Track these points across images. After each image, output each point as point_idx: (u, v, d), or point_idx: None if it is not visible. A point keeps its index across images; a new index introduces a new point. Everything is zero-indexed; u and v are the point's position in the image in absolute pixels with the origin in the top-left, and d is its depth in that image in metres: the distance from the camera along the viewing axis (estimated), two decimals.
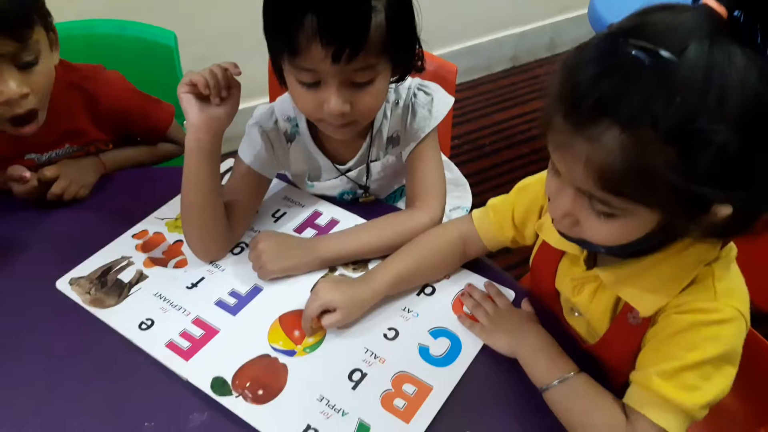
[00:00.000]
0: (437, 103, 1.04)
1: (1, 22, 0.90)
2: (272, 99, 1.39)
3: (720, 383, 0.69)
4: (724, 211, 0.60)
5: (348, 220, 1.07)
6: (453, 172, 1.28)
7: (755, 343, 0.98)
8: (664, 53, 0.55)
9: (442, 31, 2.44)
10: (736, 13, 0.57)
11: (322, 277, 0.96)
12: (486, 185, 2.11)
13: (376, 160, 1.07)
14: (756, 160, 0.57)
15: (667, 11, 0.60)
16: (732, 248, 0.73)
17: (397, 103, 1.03)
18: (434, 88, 1.06)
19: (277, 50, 0.88)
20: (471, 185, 1.31)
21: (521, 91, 2.59)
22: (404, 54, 0.91)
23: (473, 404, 0.82)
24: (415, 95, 1.03)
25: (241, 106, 2.28)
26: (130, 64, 1.38)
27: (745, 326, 0.70)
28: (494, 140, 2.33)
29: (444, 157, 1.26)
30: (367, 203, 1.12)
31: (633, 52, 0.56)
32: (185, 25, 1.75)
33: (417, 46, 0.93)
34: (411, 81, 1.04)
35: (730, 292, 0.70)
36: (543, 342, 0.83)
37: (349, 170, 1.08)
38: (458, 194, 1.27)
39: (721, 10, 0.57)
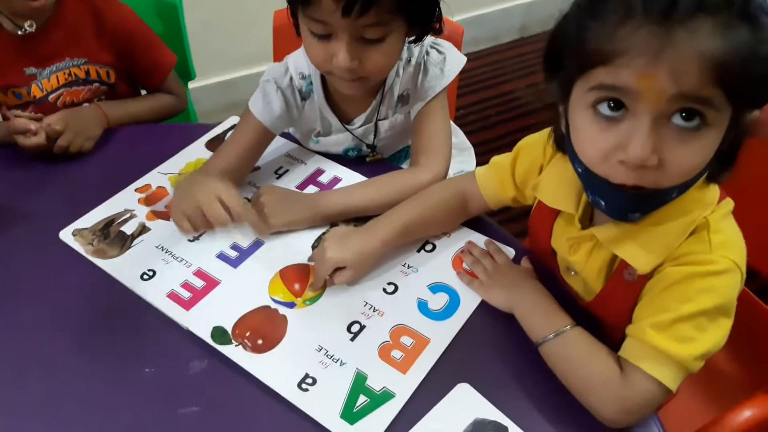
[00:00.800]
0: (449, 62, 1.03)
1: None
2: (277, 57, 1.37)
3: (715, 334, 0.69)
4: (754, 115, 0.61)
5: (350, 178, 1.07)
6: (458, 137, 1.28)
7: (753, 306, 0.99)
8: None
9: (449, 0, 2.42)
10: None
11: (324, 232, 0.97)
12: (491, 156, 2.07)
13: (384, 119, 1.07)
14: None
15: None
16: (729, 202, 0.73)
17: (409, 61, 1.02)
18: (447, 46, 1.05)
19: (294, 1, 0.88)
20: (476, 155, 1.31)
21: (529, 62, 2.55)
22: (422, 14, 0.90)
23: (470, 357, 0.82)
24: (427, 53, 1.03)
25: (248, 71, 2.33)
26: None
27: (740, 278, 0.70)
28: (500, 111, 2.31)
29: (456, 126, 1.26)
30: (374, 162, 1.12)
31: None
32: None
33: (437, 7, 0.91)
34: (426, 38, 1.02)
35: (725, 243, 0.70)
36: (540, 297, 0.84)
37: (356, 128, 1.08)
38: (462, 159, 1.27)
39: None
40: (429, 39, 1.03)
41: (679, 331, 0.68)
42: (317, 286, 0.89)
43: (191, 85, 1.55)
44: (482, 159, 1.25)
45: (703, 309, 0.68)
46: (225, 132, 1.18)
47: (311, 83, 1.04)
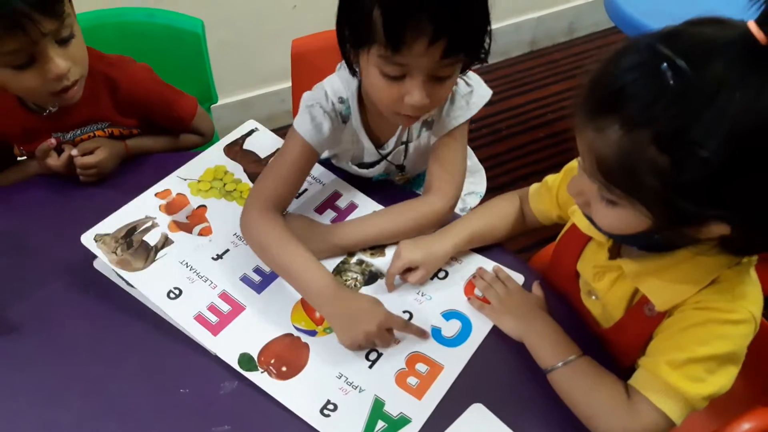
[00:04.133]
0: (476, 95, 1.05)
1: (40, 3, 0.91)
2: (295, 83, 1.42)
3: (723, 379, 0.74)
4: (718, 230, 0.64)
5: (367, 205, 1.10)
6: (471, 159, 1.30)
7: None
8: (681, 63, 0.58)
9: None
10: None
11: (340, 261, 1.01)
12: (501, 169, 2.11)
13: (409, 141, 1.09)
14: (744, 185, 0.59)
15: (712, 25, 0.62)
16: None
17: None
18: (476, 80, 1.06)
19: (364, 43, 0.86)
20: (487, 169, 1.34)
21: (539, 76, 2.55)
22: (480, 47, 0.90)
23: (483, 378, 0.88)
24: (456, 83, 1.02)
25: (264, 90, 2.35)
26: (158, 51, 1.42)
27: (754, 329, 0.75)
28: (510, 124, 2.32)
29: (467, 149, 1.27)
30: (402, 182, 1.15)
31: (654, 58, 0.60)
32: (211, 9, 1.77)
33: (489, 36, 0.91)
34: None
35: (746, 295, 0.74)
36: (549, 328, 0.89)
37: (388, 153, 1.10)
38: (473, 180, 1.30)
39: (760, 36, 0.57)
40: None
41: (692, 370, 0.73)
42: (389, 283, 0.97)
43: None
44: (493, 172, 1.30)
45: (717, 354, 0.73)
46: (243, 137, 1.20)
47: (349, 107, 1.04)
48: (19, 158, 1.22)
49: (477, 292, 0.98)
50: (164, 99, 1.22)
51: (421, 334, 0.92)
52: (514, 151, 2.22)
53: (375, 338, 0.89)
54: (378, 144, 1.09)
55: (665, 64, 0.59)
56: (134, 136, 1.22)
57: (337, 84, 1.03)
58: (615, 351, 0.89)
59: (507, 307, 0.93)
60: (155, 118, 1.23)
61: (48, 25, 0.93)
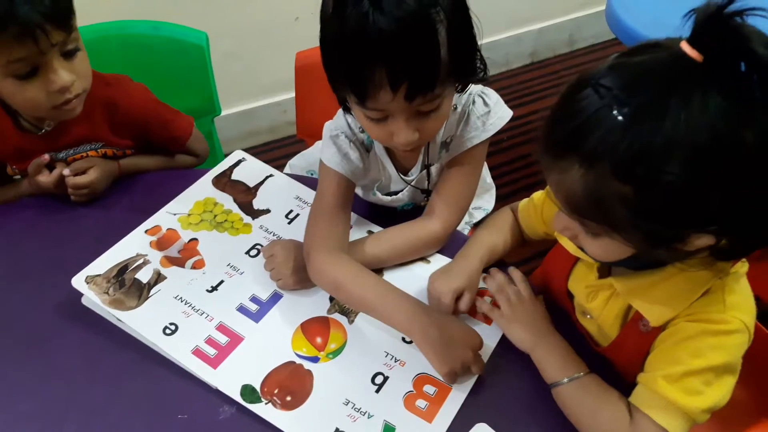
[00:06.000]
0: (493, 116, 1.01)
1: (53, 14, 0.92)
2: (298, 94, 1.41)
3: (721, 390, 0.73)
4: (702, 241, 0.65)
5: (362, 226, 1.09)
6: (486, 178, 1.29)
7: (759, 333, 1.03)
8: (622, 96, 0.60)
9: None
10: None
11: None
12: (503, 180, 2.12)
13: (431, 164, 1.06)
14: (710, 200, 0.60)
15: (648, 51, 0.64)
16: (743, 264, 0.77)
17: (455, 108, 1.00)
18: (495, 99, 1.03)
19: (343, 91, 0.87)
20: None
21: (540, 87, 2.58)
22: (467, 68, 0.88)
23: (488, 397, 0.87)
24: (473, 102, 1.01)
25: (268, 101, 2.37)
26: (162, 64, 1.42)
27: (748, 339, 0.74)
28: (511, 135, 2.32)
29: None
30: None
31: (598, 95, 0.62)
32: (215, 21, 1.78)
33: (478, 56, 0.90)
34: (473, 86, 1.00)
35: (738, 305, 0.74)
36: (559, 343, 0.87)
37: (413, 179, 1.07)
38: (486, 197, 1.29)
39: (693, 54, 0.59)
40: (478, 87, 1.02)
41: (689, 383, 0.73)
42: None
43: None
44: (495, 183, 1.29)
45: (713, 365, 0.72)
46: (231, 168, 1.18)
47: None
48: (14, 177, 1.20)
49: (479, 310, 0.96)
50: (161, 119, 1.21)
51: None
52: (515, 162, 2.22)
53: (471, 364, 0.86)
54: (403, 171, 1.07)
55: (609, 99, 0.61)
56: (127, 156, 1.20)
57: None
58: (616, 369, 0.88)
59: (518, 315, 0.92)
60: (152, 137, 1.21)
61: (57, 36, 0.94)
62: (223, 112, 1.56)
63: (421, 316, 0.89)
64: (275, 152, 2.22)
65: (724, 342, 0.73)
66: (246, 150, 1.22)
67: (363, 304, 0.94)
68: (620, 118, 0.60)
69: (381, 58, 0.77)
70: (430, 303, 0.95)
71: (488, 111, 1.01)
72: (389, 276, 1.01)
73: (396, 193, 1.10)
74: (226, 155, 1.24)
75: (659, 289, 0.76)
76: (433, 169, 1.07)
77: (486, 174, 1.30)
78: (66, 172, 1.11)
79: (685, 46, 0.60)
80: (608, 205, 0.63)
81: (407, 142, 0.87)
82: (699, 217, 0.62)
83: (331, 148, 1.00)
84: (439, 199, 1.04)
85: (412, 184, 1.07)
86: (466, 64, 0.87)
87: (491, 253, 1.00)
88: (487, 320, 0.95)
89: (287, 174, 1.18)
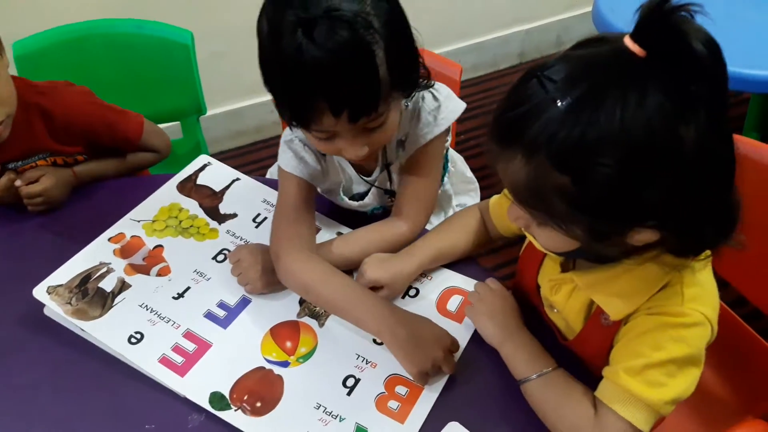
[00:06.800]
0: (444, 110, 1.00)
1: None
2: None
3: (684, 382, 0.74)
4: (644, 236, 0.65)
5: (330, 228, 1.08)
6: (466, 173, 1.30)
7: (745, 335, 1.05)
8: (562, 87, 0.61)
9: (449, 28, 2.46)
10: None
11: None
12: (490, 180, 2.05)
13: (391, 163, 1.06)
14: (646, 195, 0.61)
15: (594, 45, 0.64)
16: (706, 254, 0.76)
17: (407, 106, 0.99)
18: (445, 93, 1.02)
19: (286, 115, 0.87)
20: (477, 178, 1.33)
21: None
22: (410, 79, 0.88)
23: (460, 396, 0.86)
24: (423, 98, 1.00)
25: (255, 101, 2.37)
26: (147, 63, 1.42)
27: (710, 331, 0.75)
28: None
29: (460, 157, 1.27)
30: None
31: (538, 86, 0.62)
32: (201, 20, 1.78)
33: (420, 64, 0.89)
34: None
35: (697, 297, 0.74)
36: (527, 339, 0.87)
37: (374, 179, 1.07)
38: (472, 195, 1.29)
39: (636, 49, 0.60)
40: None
41: (651, 376, 0.73)
42: None
43: None
44: (482, 184, 1.29)
45: (673, 357, 0.73)
46: (196, 173, 1.17)
47: None
48: None
49: (449, 308, 0.96)
50: (105, 121, 1.18)
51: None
52: None
53: (442, 363, 0.86)
54: (365, 173, 1.07)
55: (550, 90, 0.61)
56: (80, 162, 1.18)
57: None
58: (583, 363, 0.88)
59: (487, 307, 0.91)
60: (100, 141, 1.19)
61: None
62: (210, 112, 1.56)
63: (390, 318, 0.88)
64: (262, 152, 2.21)
65: (683, 334, 0.73)
66: (232, 150, 1.22)
67: (332, 305, 0.93)
68: (560, 109, 0.60)
69: (319, 90, 0.78)
70: (357, 278, 0.97)
71: (438, 105, 1.00)
72: None
73: (362, 196, 1.09)
74: (212, 155, 1.23)
75: (618, 283, 0.76)
76: (393, 168, 1.06)
77: (465, 168, 1.30)
78: (18, 182, 1.09)
79: (628, 41, 0.60)
80: (548, 196, 0.64)
81: (357, 156, 0.88)
82: (636, 212, 0.62)
83: (287, 153, 1.00)
84: (403, 199, 1.04)
85: (375, 184, 1.07)
86: (408, 76, 0.87)
87: (437, 255, 0.99)
88: (459, 318, 0.95)
89: (267, 179, 1.17)
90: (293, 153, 1.00)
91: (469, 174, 1.31)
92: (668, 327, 0.73)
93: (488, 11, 2.50)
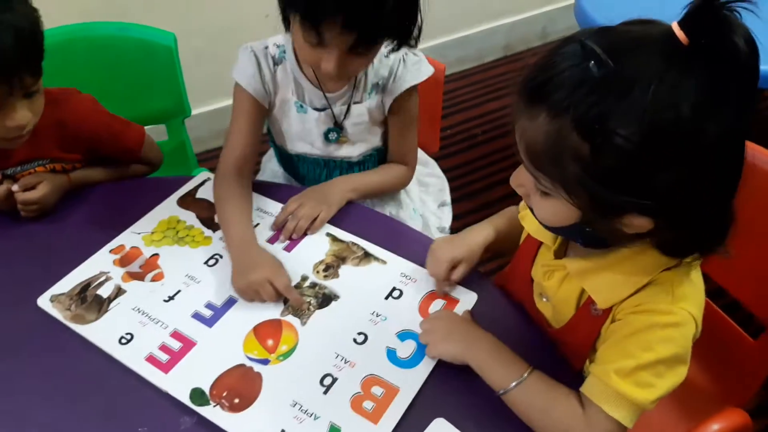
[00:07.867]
0: (424, 64, 1.18)
1: (27, 62, 0.98)
2: None
3: (671, 380, 0.74)
4: (639, 222, 0.66)
5: (320, 231, 1.11)
6: (435, 168, 1.42)
7: (728, 329, 1.06)
8: (603, 56, 0.62)
9: (434, 22, 2.47)
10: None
11: (294, 285, 1.01)
12: (477, 174, 2.09)
13: (359, 102, 1.17)
14: (656, 176, 0.62)
15: (641, 24, 0.66)
16: (695, 257, 0.76)
17: (387, 55, 1.15)
18: (422, 55, 1.20)
19: (290, 7, 0.98)
20: (462, 175, 1.39)
21: (513, 80, 2.57)
22: (406, 30, 1.01)
23: (446, 392, 0.87)
24: (406, 53, 1.16)
25: None
26: (130, 65, 1.43)
27: (696, 329, 0.75)
28: (486, 130, 2.33)
29: (423, 154, 1.38)
30: (341, 144, 1.23)
31: (582, 51, 0.63)
32: (184, 19, 1.82)
33: (419, 23, 1.02)
34: None
35: (686, 296, 0.75)
36: (493, 346, 0.86)
37: (335, 100, 1.17)
38: (442, 189, 1.40)
39: (681, 36, 0.61)
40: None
41: (640, 377, 0.74)
42: (441, 289, 0.98)
43: None
44: (469, 178, 1.31)
45: (663, 358, 0.73)
46: (196, 188, 1.21)
47: (284, 51, 1.14)
48: None
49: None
50: (111, 131, 1.22)
51: (299, 303, 0.97)
52: (489, 156, 2.21)
53: (257, 287, 0.96)
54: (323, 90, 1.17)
55: (590, 56, 0.62)
56: (77, 169, 1.21)
57: (280, 37, 1.13)
58: (566, 352, 0.88)
59: (441, 331, 0.91)
60: (103, 150, 1.22)
61: (29, 81, 0.98)
62: (194, 111, 1.56)
63: (245, 245, 1.04)
64: None
65: (672, 334, 0.74)
66: (216, 149, 1.24)
67: (221, 223, 1.10)
68: (595, 76, 0.62)
69: (344, 5, 0.90)
70: (428, 269, 0.99)
71: (420, 59, 1.19)
72: (348, 273, 1.03)
73: (321, 110, 1.18)
74: (197, 154, 1.24)
75: (608, 272, 0.78)
76: (359, 108, 1.17)
77: (434, 165, 1.43)
78: (15, 188, 1.11)
79: (675, 27, 0.62)
80: (564, 158, 0.65)
81: (332, 74, 0.99)
82: (642, 191, 0.63)
83: (242, 62, 1.14)
84: (397, 149, 1.24)
85: (333, 108, 1.17)
86: (407, 24, 1.01)
87: (498, 236, 1.01)
88: None
89: (259, 180, 1.21)
90: (247, 59, 1.13)
91: (439, 170, 1.45)
92: (657, 327, 0.74)
93: (474, 3, 2.51)
